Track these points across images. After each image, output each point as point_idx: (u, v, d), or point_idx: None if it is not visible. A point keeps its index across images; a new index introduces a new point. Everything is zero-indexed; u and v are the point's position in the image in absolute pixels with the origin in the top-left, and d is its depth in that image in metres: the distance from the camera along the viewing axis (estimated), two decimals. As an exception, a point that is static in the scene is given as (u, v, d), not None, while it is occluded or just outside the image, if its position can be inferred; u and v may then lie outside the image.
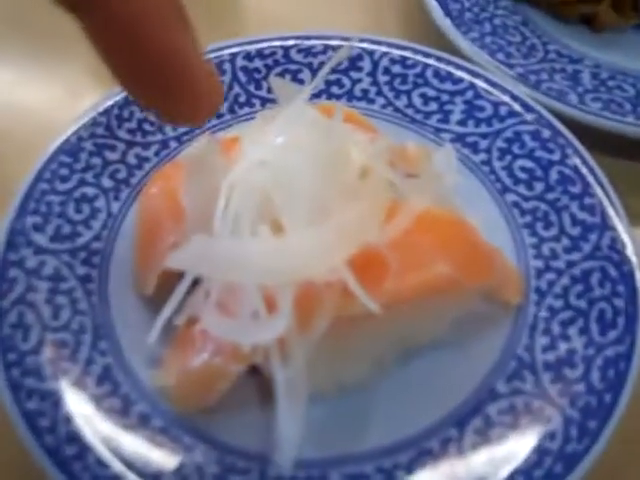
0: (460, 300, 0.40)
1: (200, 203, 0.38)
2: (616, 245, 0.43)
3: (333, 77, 0.50)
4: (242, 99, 0.49)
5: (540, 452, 0.37)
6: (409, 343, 0.40)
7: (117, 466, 0.36)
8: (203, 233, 0.34)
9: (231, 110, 0.49)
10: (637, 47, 0.55)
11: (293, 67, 0.51)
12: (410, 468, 0.37)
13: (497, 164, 0.47)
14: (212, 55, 0.50)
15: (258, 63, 0.50)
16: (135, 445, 0.37)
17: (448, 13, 0.53)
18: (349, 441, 0.38)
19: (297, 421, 0.35)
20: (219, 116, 0.49)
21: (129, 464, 0.36)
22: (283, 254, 0.35)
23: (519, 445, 0.37)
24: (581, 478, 0.36)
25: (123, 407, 0.38)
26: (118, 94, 0.48)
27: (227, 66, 0.51)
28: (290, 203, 0.36)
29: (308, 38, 0.51)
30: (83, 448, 0.36)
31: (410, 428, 0.38)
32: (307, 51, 0.51)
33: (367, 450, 0.38)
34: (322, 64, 0.50)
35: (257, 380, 0.38)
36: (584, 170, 0.45)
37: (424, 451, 0.37)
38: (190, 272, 0.35)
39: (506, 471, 0.36)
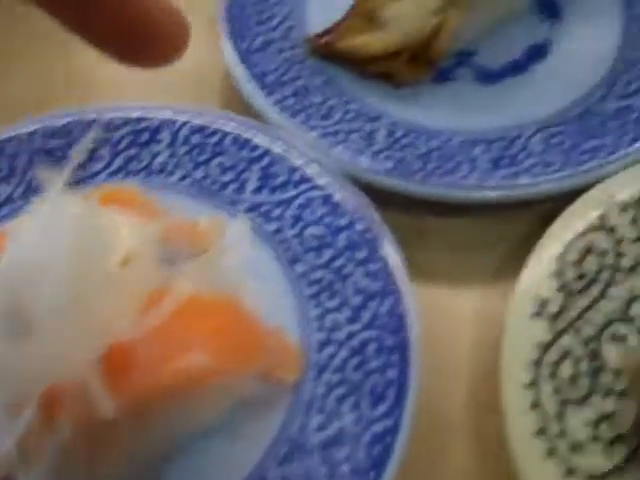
0: (231, 386, 0.40)
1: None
2: (395, 311, 0.42)
3: (132, 152, 0.50)
4: (35, 183, 0.49)
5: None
6: (175, 438, 0.40)
7: None
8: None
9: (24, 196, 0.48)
10: (433, 102, 0.55)
11: (90, 145, 0.50)
12: None
13: (289, 232, 0.47)
14: (4, 137, 0.49)
15: (54, 143, 0.50)
16: None
17: (252, 77, 0.53)
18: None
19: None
20: (10, 201, 0.48)
21: None
22: (26, 359, 0.34)
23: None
24: None
25: None
26: None
27: (24, 147, 0.50)
28: (40, 301, 0.36)
29: (107, 111, 0.51)
30: None
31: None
32: (106, 126, 0.51)
33: None
34: (121, 140, 0.50)
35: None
36: (371, 234, 0.45)
37: None
38: None
39: None
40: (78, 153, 0.39)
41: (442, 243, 0.52)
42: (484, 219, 0.52)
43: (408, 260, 0.45)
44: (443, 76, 0.57)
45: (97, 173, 0.50)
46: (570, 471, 0.40)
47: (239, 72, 0.54)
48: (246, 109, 0.54)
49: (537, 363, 0.43)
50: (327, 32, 0.56)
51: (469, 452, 0.44)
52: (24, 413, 0.33)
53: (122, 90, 0.60)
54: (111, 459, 0.38)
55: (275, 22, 0.59)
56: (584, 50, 0.58)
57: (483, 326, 0.48)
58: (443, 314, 0.49)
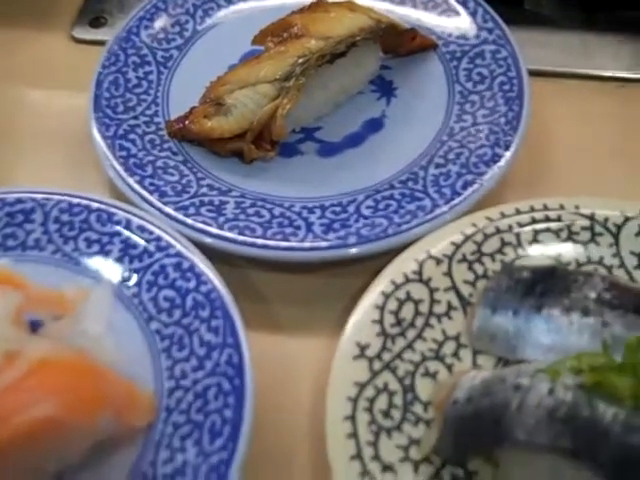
0: (86, 430, 0.46)
1: None
2: (232, 361, 0.50)
3: (9, 231, 0.57)
4: None
5: None
6: (44, 476, 0.46)
7: None
8: None
9: None
10: (280, 174, 0.64)
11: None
12: None
13: (145, 296, 0.54)
14: None
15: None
16: None
17: (116, 160, 0.61)
18: None
19: None
20: None
21: None
22: None
23: None
24: None
25: None
26: None
27: None
28: None
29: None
30: None
31: None
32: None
33: None
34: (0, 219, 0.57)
35: None
36: (214, 295, 0.52)
37: None
38: None
39: None
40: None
41: (285, 298, 0.59)
42: (324, 275, 0.60)
43: (253, 313, 0.53)
44: (290, 150, 0.66)
45: (-24, 250, 0.56)
46: (380, 488, 0.47)
47: (105, 157, 0.62)
48: (112, 188, 0.61)
49: (355, 399, 0.50)
50: (183, 118, 0.64)
51: (302, 475, 0.51)
52: None
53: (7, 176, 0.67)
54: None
55: (140, 109, 0.66)
56: (413, 123, 0.67)
57: (321, 371, 0.54)
58: (286, 361, 0.56)
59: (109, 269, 0.56)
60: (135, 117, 0.65)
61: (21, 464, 0.45)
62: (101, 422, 0.47)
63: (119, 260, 0.56)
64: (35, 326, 0.50)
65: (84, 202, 0.58)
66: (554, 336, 0.52)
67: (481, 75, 0.68)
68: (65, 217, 0.58)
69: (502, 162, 0.61)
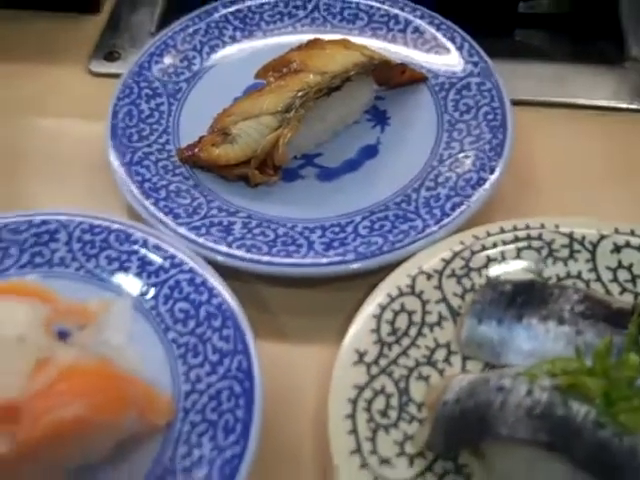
0: (111, 428, 0.51)
1: None
2: (242, 366, 0.55)
3: (36, 250, 0.62)
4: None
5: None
6: (73, 469, 0.51)
7: None
8: None
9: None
10: (283, 197, 0.69)
11: (2, 245, 0.62)
12: None
13: (162, 308, 0.59)
14: None
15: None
16: None
17: (133, 184, 0.66)
18: None
19: None
20: None
21: None
22: None
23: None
24: None
25: None
26: None
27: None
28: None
29: (14, 217, 0.63)
30: None
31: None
32: (14, 230, 0.63)
33: None
34: (27, 240, 0.62)
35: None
36: (225, 306, 0.58)
37: None
38: None
39: None
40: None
41: (290, 310, 0.65)
42: (325, 289, 0.65)
43: (261, 324, 0.58)
44: (292, 175, 0.71)
45: (9, 267, 0.62)
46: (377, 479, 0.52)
47: (122, 182, 0.67)
48: (129, 211, 0.66)
49: (355, 400, 0.55)
50: (192, 146, 0.70)
51: (307, 468, 0.56)
52: None
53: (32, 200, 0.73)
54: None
55: (153, 138, 0.72)
56: (406, 150, 0.73)
57: (323, 376, 0.59)
58: (292, 367, 0.61)
59: (128, 284, 0.61)
60: (149, 145, 0.71)
61: (49, 461, 0.50)
62: (125, 421, 0.52)
63: (137, 276, 0.61)
64: (62, 336, 0.55)
65: (104, 223, 0.63)
66: (533, 343, 0.57)
67: (467, 105, 0.73)
68: (87, 237, 0.63)
69: (487, 185, 0.66)
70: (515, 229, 0.63)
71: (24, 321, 0.50)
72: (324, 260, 0.62)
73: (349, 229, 0.65)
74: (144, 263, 0.61)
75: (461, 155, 0.70)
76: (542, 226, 0.63)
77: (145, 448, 0.53)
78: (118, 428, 0.52)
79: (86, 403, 0.49)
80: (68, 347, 0.52)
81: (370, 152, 0.73)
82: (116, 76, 0.77)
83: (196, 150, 0.69)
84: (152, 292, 0.60)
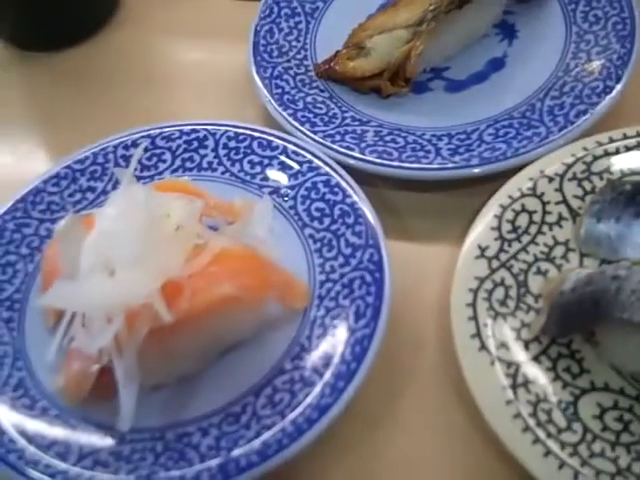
0: (255, 309, 0.58)
1: (68, 259, 0.57)
2: (373, 259, 0.60)
3: (187, 155, 0.69)
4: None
5: (304, 405, 0.54)
6: (222, 343, 0.58)
7: (21, 441, 0.55)
8: (70, 279, 0.52)
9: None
10: (412, 108, 0.73)
11: (157, 151, 0.70)
12: (219, 426, 0.55)
13: (300, 207, 0.65)
14: (99, 148, 0.69)
15: (133, 151, 0.69)
16: (36, 427, 0.56)
17: (273, 96, 0.72)
18: (179, 412, 0.56)
19: (132, 397, 0.53)
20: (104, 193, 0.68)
21: (30, 439, 0.55)
22: (114, 289, 0.53)
23: (293, 401, 0.55)
24: (332, 420, 0.53)
25: (30, 404, 0.57)
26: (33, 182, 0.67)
27: (111, 156, 0.70)
28: (120, 255, 0.55)
29: (168, 127, 0.70)
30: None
31: (221, 400, 0.56)
32: (167, 138, 0.70)
33: (191, 417, 0.56)
34: (179, 147, 0.69)
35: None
36: (357, 206, 0.63)
37: (230, 414, 0.56)
38: (56, 307, 0.54)
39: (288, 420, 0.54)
40: (135, 159, 0.59)
41: (417, 212, 0.69)
42: (450, 193, 0.69)
43: (389, 225, 0.63)
44: (421, 87, 0.75)
45: (163, 171, 0.69)
46: (494, 360, 0.56)
47: (263, 94, 0.73)
48: (269, 120, 0.73)
49: (476, 290, 0.60)
50: (329, 60, 0.75)
51: (430, 351, 0.61)
52: (114, 322, 0.52)
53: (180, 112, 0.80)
54: (179, 356, 0.57)
55: (292, 54, 0.77)
56: (533, 62, 0.75)
57: (446, 272, 0.64)
58: (417, 264, 0.66)
59: (270, 186, 0.67)
60: (288, 60, 0.76)
61: (203, 333, 0.57)
62: (267, 303, 0.58)
63: (277, 179, 0.67)
64: (212, 230, 0.62)
65: (247, 132, 0.69)
66: (651, 237, 0.59)
67: (596, 16, 0.75)
68: (232, 143, 0.69)
69: (613, 93, 0.68)
70: (638, 135, 0.65)
71: (182, 212, 0.56)
72: (450, 164, 0.66)
73: (474, 136, 0.69)
74: (284, 167, 0.67)
75: (588, 65, 0.71)
76: (665, 131, 0.64)
77: (285, 328, 0.59)
78: (261, 309, 0.58)
79: (235, 283, 0.55)
80: (219, 235, 0.58)
81: (497, 65, 0.76)
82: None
83: (332, 64, 0.73)
84: (291, 193, 0.66)
